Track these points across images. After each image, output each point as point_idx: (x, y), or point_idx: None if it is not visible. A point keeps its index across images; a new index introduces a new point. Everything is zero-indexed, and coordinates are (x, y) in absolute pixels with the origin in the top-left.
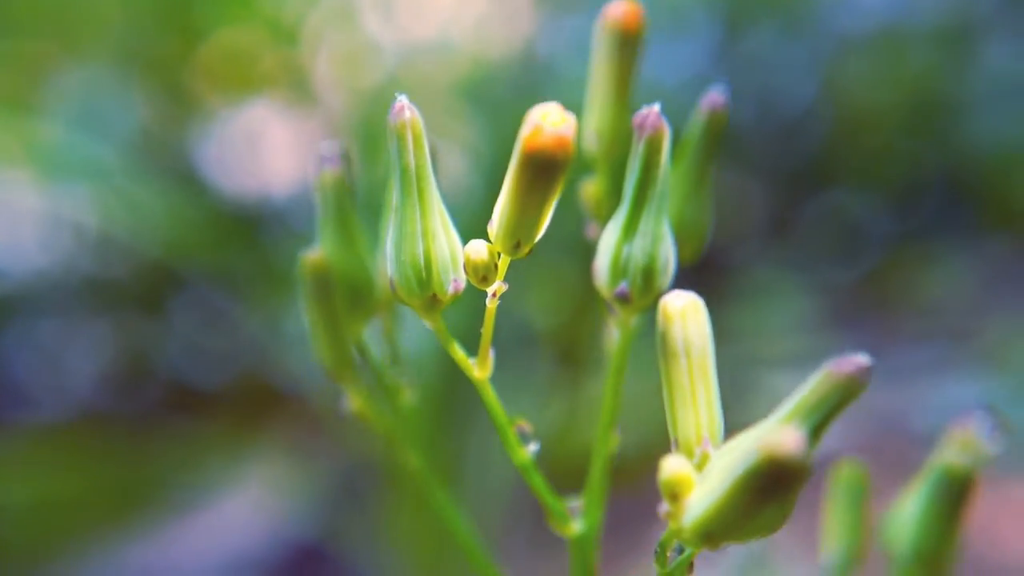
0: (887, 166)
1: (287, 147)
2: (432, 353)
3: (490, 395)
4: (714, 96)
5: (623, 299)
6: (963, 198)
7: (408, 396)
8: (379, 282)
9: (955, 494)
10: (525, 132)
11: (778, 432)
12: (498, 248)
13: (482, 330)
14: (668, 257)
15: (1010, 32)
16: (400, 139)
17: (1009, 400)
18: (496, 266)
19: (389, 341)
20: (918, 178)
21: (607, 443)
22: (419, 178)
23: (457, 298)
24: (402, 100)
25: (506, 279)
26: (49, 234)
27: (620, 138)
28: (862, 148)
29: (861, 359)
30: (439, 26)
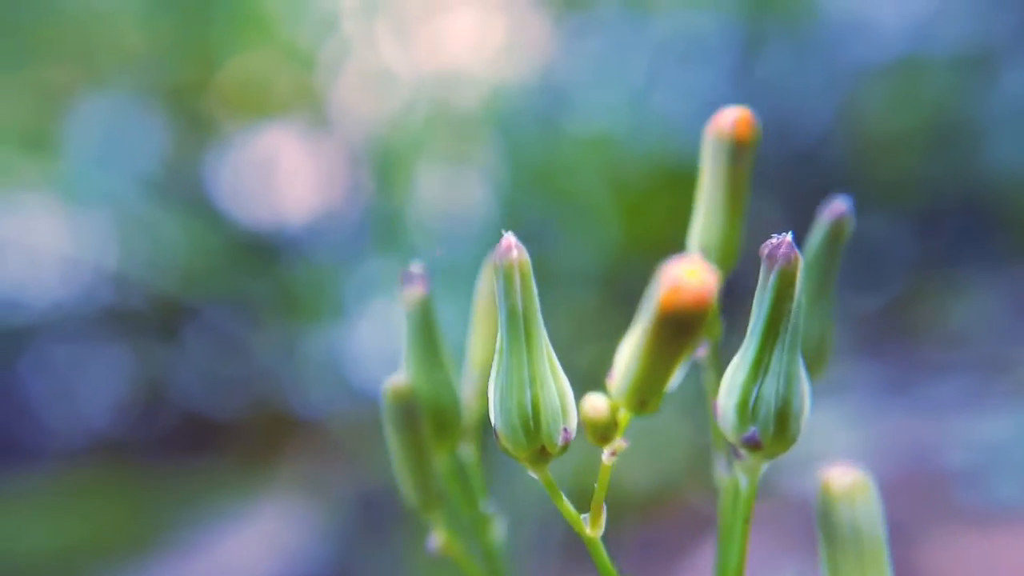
0: (907, 192)
1: (303, 174)
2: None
3: (602, 555)
4: (837, 205)
5: (753, 445)
6: (986, 224)
7: (496, 531)
8: (466, 407)
9: None
10: (663, 290)
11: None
12: (621, 405)
13: (595, 486)
14: (805, 397)
15: None
16: (507, 280)
17: None
18: (616, 424)
19: (475, 472)
20: (939, 204)
21: None
22: (527, 321)
23: (566, 450)
24: (510, 238)
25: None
26: (67, 264)
27: (731, 253)
28: (882, 174)
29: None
30: (457, 53)
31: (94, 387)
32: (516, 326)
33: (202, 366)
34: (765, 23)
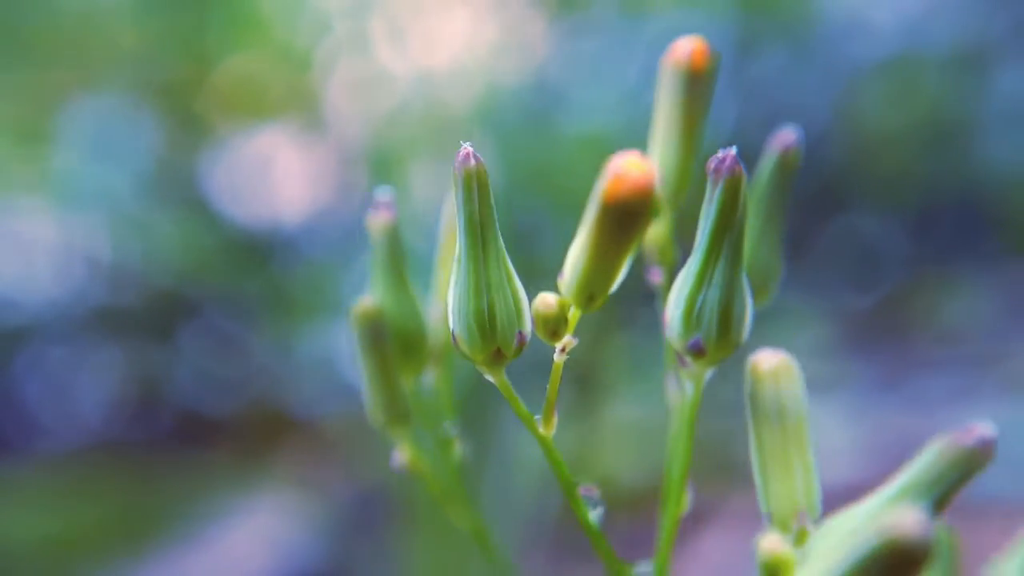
0: (903, 190)
1: (298, 174)
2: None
3: (555, 454)
4: (786, 134)
5: (697, 352)
6: (981, 222)
7: (459, 449)
8: (431, 332)
9: None
10: (605, 181)
11: (898, 513)
12: (570, 301)
13: (548, 385)
14: (745, 307)
15: (1023, 56)
16: (466, 188)
17: None
18: (567, 320)
19: (440, 392)
20: (935, 202)
21: (678, 503)
22: (484, 228)
23: (521, 352)
24: (467, 148)
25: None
26: (62, 263)
27: (685, 182)
28: (877, 172)
29: (984, 430)
30: (451, 53)
31: (89, 386)
32: (474, 233)
33: (197, 365)
34: (760, 22)
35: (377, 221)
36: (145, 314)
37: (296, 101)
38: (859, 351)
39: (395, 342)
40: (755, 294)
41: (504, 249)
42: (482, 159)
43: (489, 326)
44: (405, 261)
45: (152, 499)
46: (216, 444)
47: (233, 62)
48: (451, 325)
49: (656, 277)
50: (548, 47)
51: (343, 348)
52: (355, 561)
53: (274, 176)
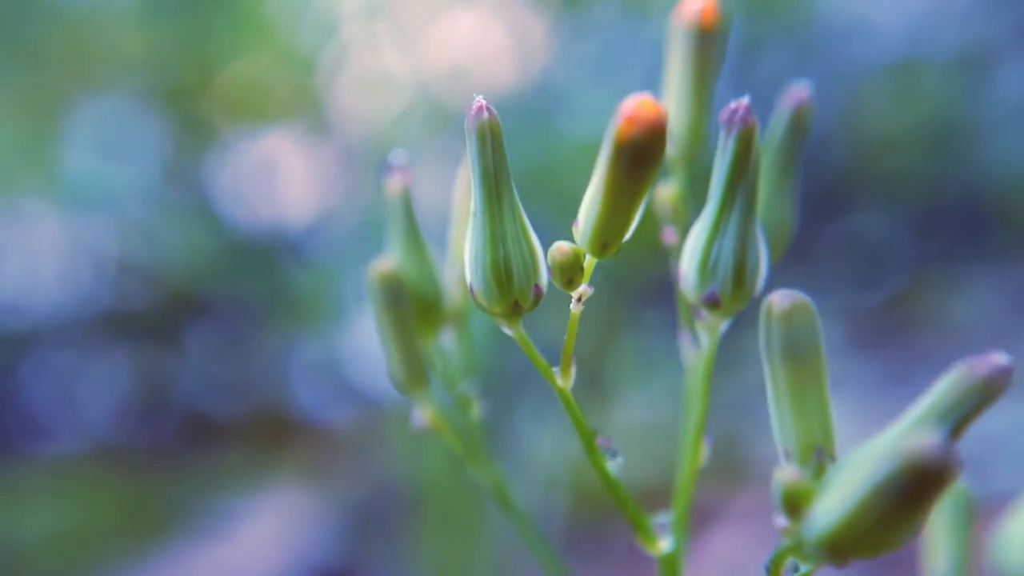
0: (908, 190)
1: (303, 176)
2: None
3: (572, 404)
4: (798, 91)
5: (712, 302)
6: (983, 222)
7: (478, 409)
8: (448, 293)
9: None
10: (617, 123)
11: (917, 435)
12: (585, 249)
13: (564, 341)
14: (760, 257)
15: None
16: (480, 140)
17: None
18: (582, 268)
19: (459, 353)
20: (939, 202)
21: (695, 455)
22: (499, 181)
23: (538, 304)
24: (480, 100)
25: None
26: (68, 266)
27: (698, 140)
28: (881, 173)
29: (1000, 358)
30: (455, 55)
31: (96, 389)
32: (489, 186)
33: (204, 367)
34: (764, 24)
35: (393, 184)
36: (151, 317)
37: (301, 104)
38: (865, 349)
39: (413, 303)
40: (770, 248)
41: (519, 202)
42: (495, 111)
43: (506, 277)
44: (419, 224)
45: (159, 501)
46: (223, 446)
47: (238, 65)
48: (468, 278)
49: (670, 237)
50: (551, 49)
51: (349, 349)
52: (363, 560)
53: (279, 179)
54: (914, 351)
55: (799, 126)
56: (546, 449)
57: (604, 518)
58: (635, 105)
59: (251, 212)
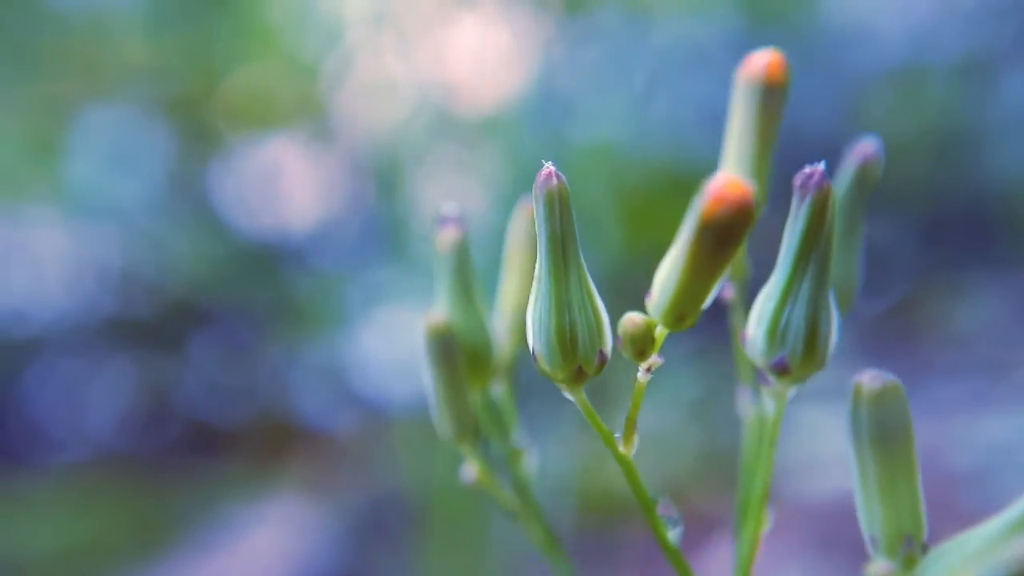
0: (912, 198)
1: (307, 183)
2: None
3: (634, 474)
4: (866, 145)
5: (781, 370)
6: (989, 229)
7: (528, 463)
8: (499, 345)
9: None
10: (706, 200)
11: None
12: (658, 321)
13: (629, 407)
14: (832, 323)
15: None
16: (548, 206)
17: None
18: (653, 339)
19: (508, 407)
20: (943, 209)
21: (758, 521)
22: (566, 247)
23: (602, 370)
24: (550, 167)
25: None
26: (73, 274)
27: (762, 198)
28: (886, 180)
29: None
30: (459, 62)
31: (100, 397)
32: (555, 252)
33: (207, 376)
34: (767, 31)
35: (446, 237)
36: (156, 325)
37: (305, 111)
38: (869, 357)
39: (464, 357)
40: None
41: (585, 267)
42: (563, 178)
43: (571, 344)
44: (473, 276)
45: (164, 510)
46: (227, 454)
47: (242, 73)
48: (531, 342)
49: (728, 292)
50: (556, 55)
51: (352, 357)
52: (367, 570)
53: (283, 186)
54: (919, 358)
55: (866, 182)
56: (555, 456)
57: (612, 525)
58: (723, 184)
59: (255, 219)
